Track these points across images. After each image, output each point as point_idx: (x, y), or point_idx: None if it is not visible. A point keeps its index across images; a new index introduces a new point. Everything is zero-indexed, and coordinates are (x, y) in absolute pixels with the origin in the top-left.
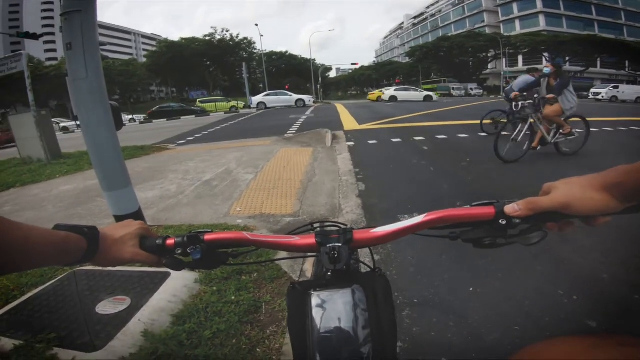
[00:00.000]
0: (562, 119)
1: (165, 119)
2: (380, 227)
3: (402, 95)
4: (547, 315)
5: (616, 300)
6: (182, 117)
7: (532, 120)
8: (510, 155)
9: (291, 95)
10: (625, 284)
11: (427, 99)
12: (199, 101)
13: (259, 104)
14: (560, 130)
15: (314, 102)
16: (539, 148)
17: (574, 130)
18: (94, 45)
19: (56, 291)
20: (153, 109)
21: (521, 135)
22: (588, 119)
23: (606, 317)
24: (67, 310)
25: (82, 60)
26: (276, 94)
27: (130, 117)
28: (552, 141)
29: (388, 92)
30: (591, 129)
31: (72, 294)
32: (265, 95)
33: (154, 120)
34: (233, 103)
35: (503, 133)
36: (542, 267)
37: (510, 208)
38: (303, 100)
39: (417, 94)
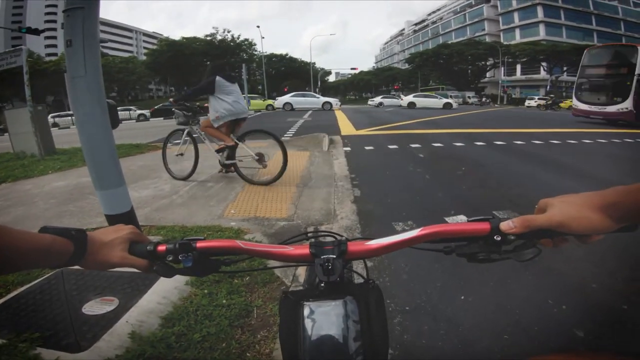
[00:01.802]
0: (228, 132)
1: (162, 118)
2: (375, 239)
3: (421, 102)
4: (536, 324)
5: (604, 310)
6: None
7: (188, 130)
8: (178, 172)
9: (318, 98)
10: (614, 294)
11: (447, 106)
12: None
13: (285, 104)
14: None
15: (340, 105)
16: (224, 171)
17: (236, 147)
18: (94, 43)
19: (42, 290)
20: (156, 107)
21: (181, 148)
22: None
23: (594, 327)
24: (53, 309)
25: (81, 58)
26: (303, 95)
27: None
28: (224, 162)
29: (407, 98)
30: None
31: (59, 293)
32: (293, 96)
33: (151, 119)
34: (270, 101)
35: (170, 144)
36: (533, 276)
37: (506, 225)
38: (330, 103)
39: (437, 101)
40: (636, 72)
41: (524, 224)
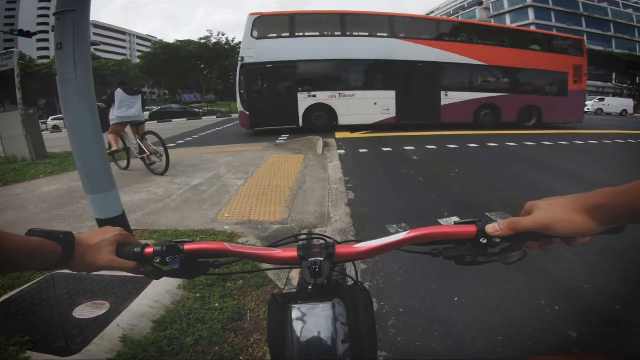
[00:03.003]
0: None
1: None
2: (363, 242)
3: None
4: (529, 325)
5: (597, 310)
6: (173, 120)
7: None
8: (121, 164)
9: None
10: (606, 294)
11: None
12: None
13: None
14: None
15: None
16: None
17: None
18: (85, 47)
19: (33, 294)
20: (154, 110)
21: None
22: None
23: (587, 327)
24: (44, 313)
25: (71, 61)
26: None
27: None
28: (136, 156)
29: None
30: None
31: (50, 297)
32: None
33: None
34: None
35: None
36: (525, 277)
37: (492, 227)
38: None
39: None
40: (240, 54)
41: (509, 227)
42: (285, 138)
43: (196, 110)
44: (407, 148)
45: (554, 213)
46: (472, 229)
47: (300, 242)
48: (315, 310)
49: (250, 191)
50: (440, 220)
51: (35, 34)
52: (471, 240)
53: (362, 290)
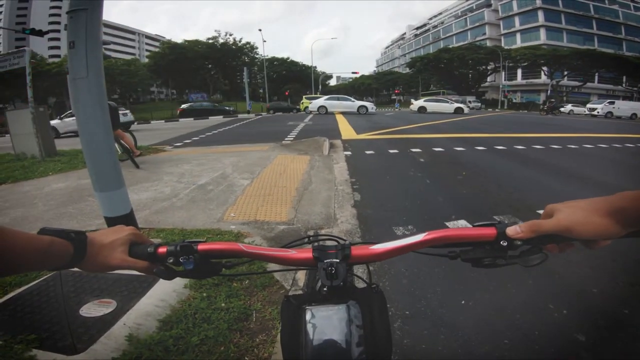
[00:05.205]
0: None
1: (163, 121)
2: (379, 243)
3: (431, 106)
4: (537, 329)
5: (605, 314)
6: (180, 120)
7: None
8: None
9: (353, 102)
10: (615, 298)
11: (458, 111)
12: (305, 97)
13: (320, 107)
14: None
15: (376, 110)
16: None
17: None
18: (97, 45)
19: (40, 291)
20: (184, 107)
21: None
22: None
23: (595, 331)
24: (50, 311)
25: (83, 60)
26: (337, 99)
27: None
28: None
29: (417, 102)
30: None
31: (56, 295)
32: (327, 99)
33: (152, 121)
34: (307, 103)
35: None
36: (533, 280)
37: (513, 230)
38: (366, 107)
39: (448, 106)
40: None
41: (531, 229)
42: (292, 139)
43: (227, 108)
44: (413, 150)
45: (576, 216)
46: (491, 231)
47: (315, 243)
48: (330, 312)
49: (256, 191)
50: (448, 224)
51: (46, 32)
52: (490, 242)
53: (377, 292)
